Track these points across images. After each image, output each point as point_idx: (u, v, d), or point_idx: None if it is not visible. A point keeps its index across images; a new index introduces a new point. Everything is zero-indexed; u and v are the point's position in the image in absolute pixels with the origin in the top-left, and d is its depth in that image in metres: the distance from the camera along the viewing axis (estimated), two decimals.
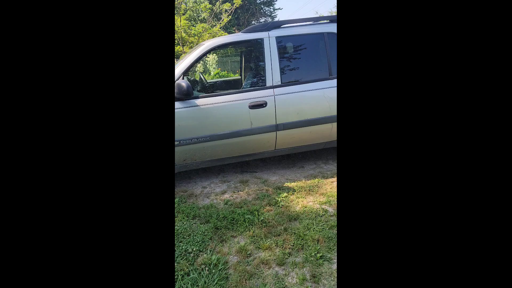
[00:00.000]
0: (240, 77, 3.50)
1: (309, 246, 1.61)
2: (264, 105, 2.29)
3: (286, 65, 2.42)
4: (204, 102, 2.22)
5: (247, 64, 3.17)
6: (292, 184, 2.38)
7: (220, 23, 7.33)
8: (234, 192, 2.33)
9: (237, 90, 2.42)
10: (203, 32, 6.49)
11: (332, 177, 2.52)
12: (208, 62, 8.07)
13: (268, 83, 2.32)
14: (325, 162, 2.85)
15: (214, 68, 8.66)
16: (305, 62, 2.50)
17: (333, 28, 2.42)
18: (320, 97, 2.39)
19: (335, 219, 1.89)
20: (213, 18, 7.70)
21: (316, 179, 2.45)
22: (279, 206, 2.05)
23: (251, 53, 3.06)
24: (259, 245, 1.64)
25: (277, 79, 2.33)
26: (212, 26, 7.33)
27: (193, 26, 7.00)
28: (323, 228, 1.77)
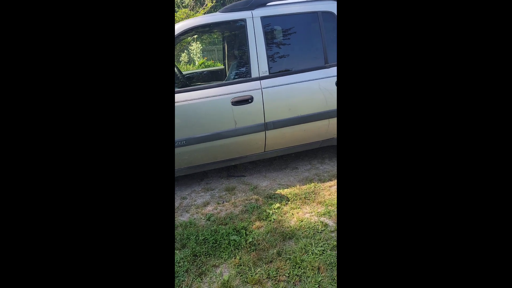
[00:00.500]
0: (223, 67, 3.11)
1: (308, 277, 1.31)
2: (249, 100, 1.94)
3: (275, 52, 2.05)
4: (177, 99, 1.85)
5: (231, 51, 2.78)
6: (286, 191, 2.07)
7: (204, 8, 6.83)
8: (218, 203, 2.01)
9: (217, 84, 2.05)
10: (185, 18, 6.01)
11: (330, 180, 2.21)
12: (192, 51, 7.56)
13: (254, 74, 1.96)
14: (320, 162, 2.54)
15: (199, 58, 8.15)
16: (296, 48, 2.14)
17: (328, 6, 2.05)
18: (315, 89, 2.05)
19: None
20: (196, 3, 7.17)
21: (312, 184, 2.14)
22: (270, 220, 1.74)
23: (235, 38, 2.67)
24: (247, 277, 1.33)
25: (264, 69, 1.97)
26: (196, 12, 6.85)
27: (175, 12, 6.50)
28: (324, 250, 1.47)
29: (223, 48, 2.99)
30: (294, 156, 2.64)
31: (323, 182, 2.18)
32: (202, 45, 7.80)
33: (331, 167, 2.45)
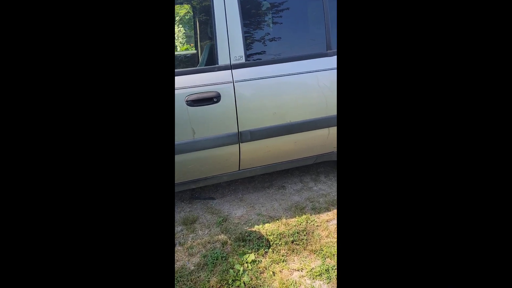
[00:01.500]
0: (196, 51, 2.44)
1: None
2: (215, 99, 1.31)
3: (256, 31, 1.42)
4: None
5: (203, 29, 2.12)
6: (266, 228, 1.48)
7: None
8: None
9: None
10: None
11: (327, 209, 1.64)
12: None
13: (222, 61, 1.32)
14: (314, 180, 1.96)
15: (181, 44, 7.35)
16: (287, 27, 1.51)
17: None
18: (312, 85, 1.44)
19: None
20: None
21: (304, 216, 1.56)
22: (239, 287, 1.15)
23: (207, 10, 2.00)
24: None
25: (238, 54, 1.33)
26: None
27: None
28: None
29: (194, 25, 2.31)
30: (281, 170, 2.05)
31: (318, 212, 1.60)
32: (184, 29, 7.00)
33: (328, 187, 1.87)
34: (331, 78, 1.44)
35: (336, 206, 1.71)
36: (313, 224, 1.51)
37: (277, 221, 1.53)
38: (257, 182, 1.94)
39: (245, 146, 1.43)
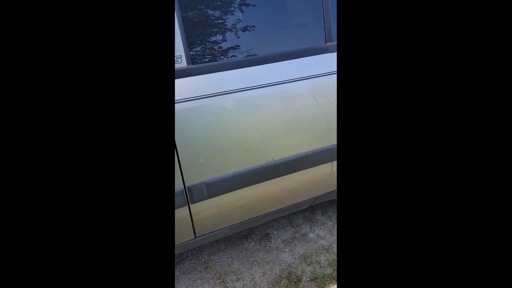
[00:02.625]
0: None
1: None
2: None
3: (205, 16, 0.82)
4: None
5: None
6: None
7: None
8: None
9: None
10: None
11: (334, 277, 1.11)
12: None
13: None
14: (309, 219, 1.44)
15: None
16: (264, 10, 0.92)
17: None
18: (306, 100, 0.88)
19: None
20: None
21: None
22: None
23: None
24: None
25: (176, 53, 0.74)
26: None
27: None
28: None
29: None
30: None
31: (323, 284, 1.07)
32: None
33: (329, 232, 1.36)
34: (335, 87, 0.89)
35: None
36: None
37: None
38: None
39: (199, 206, 0.85)
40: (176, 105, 0.75)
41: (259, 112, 0.84)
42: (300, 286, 1.08)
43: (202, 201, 0.85)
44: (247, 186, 0.90)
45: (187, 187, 0.81)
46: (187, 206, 0.84)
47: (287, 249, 1.28)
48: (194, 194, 0.82)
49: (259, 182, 0.91)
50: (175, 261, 1.26)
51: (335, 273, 1.14)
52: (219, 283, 1.13)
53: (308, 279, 1.12)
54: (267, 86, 0.83)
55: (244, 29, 0.89)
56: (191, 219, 0.88)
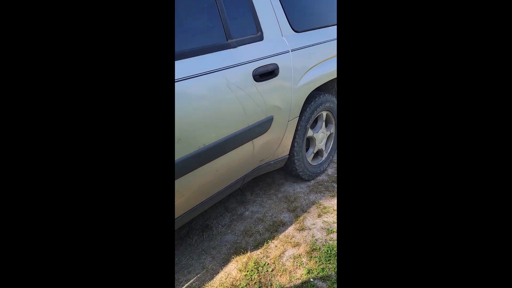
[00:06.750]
0: None
1: None
2: None
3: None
4: None
5: None
6: None
7: None
8: None
9: None
10: None
11: (273, 238, 1.31)
12: None
13: None
14: (241, 202, 1.59)
15: None
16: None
17: None
18: (222, 89, 1.02)
19: None
20: None
21: (251, 263, 1.16)
22: None
23: None
24: None
25: None
26: None
27: None
28: None
29: None
30: None
31: (266, 248, 1.24)
32: None
33: (261, 206, 1.54)
34: (241, 75, 1.06)
35: (283, 226, 1.39)
36: (266, 270, 1.14)
37: None
38: None
39: None
40: None
41: (184, 103, 0.92)
42: (248, 255, 1.22)
43: None
44: (185, 174, 0.97)
45: None
46: None
47: (228, 231, 1.39)
48: None
49: (196, 168, 0.99)
50: None
51: (273, 235, 1.33)
52: None
53: (252, 246, 1.27)
54: (188, 78, 0.92)
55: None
56: None
